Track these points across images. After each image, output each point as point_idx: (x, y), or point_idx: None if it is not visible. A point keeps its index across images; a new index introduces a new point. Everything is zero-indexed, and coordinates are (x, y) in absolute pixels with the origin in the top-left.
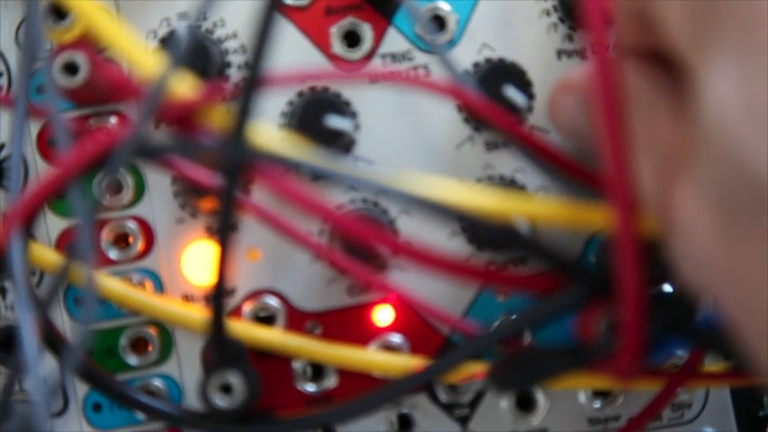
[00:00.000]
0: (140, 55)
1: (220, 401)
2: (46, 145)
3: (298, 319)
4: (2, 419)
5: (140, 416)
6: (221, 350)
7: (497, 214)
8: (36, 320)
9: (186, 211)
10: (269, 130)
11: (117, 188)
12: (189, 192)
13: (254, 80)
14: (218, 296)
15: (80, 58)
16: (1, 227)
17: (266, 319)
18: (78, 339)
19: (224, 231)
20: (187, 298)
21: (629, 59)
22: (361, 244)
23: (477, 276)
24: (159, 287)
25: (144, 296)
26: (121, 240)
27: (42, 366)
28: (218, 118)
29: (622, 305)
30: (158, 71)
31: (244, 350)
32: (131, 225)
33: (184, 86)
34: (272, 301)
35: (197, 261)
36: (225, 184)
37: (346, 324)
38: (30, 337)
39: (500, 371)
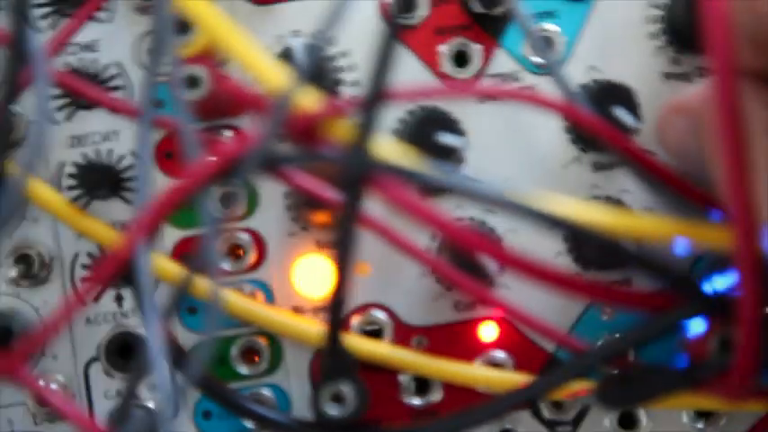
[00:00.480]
0: (267, 68)
1: (332, 411)
2: (163, 157)
3: (404, 334)
4: (122, 423)
5: (250, 425)
6: (336, 361)
7: (612, 231)
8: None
9: (298, 225)
10: (389, 144)
11: (231, 200)
12: (302, 205)
13: (379, 92)
14: (336, 307)
15: (201, 72)
16: (127, 237)
17: (373, 332)
18: (202, 350)
19: (345, 242)
20: (296, 310)
21: (744, 82)
22: (470, 260)
23: (588, 292)
24: (270, 299)
25: (257, 307)
26: (233, 252)
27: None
28: (339, 132)
29: (739, 325)
30: (285, 84)
31: (356, 362)
32: (244, 237)
33: (308, 100)
34: (380, 315)
35: (307, 274)
36: (348, 195)
37: (452, 339)
38: (158, 346)
39: (609, 388)
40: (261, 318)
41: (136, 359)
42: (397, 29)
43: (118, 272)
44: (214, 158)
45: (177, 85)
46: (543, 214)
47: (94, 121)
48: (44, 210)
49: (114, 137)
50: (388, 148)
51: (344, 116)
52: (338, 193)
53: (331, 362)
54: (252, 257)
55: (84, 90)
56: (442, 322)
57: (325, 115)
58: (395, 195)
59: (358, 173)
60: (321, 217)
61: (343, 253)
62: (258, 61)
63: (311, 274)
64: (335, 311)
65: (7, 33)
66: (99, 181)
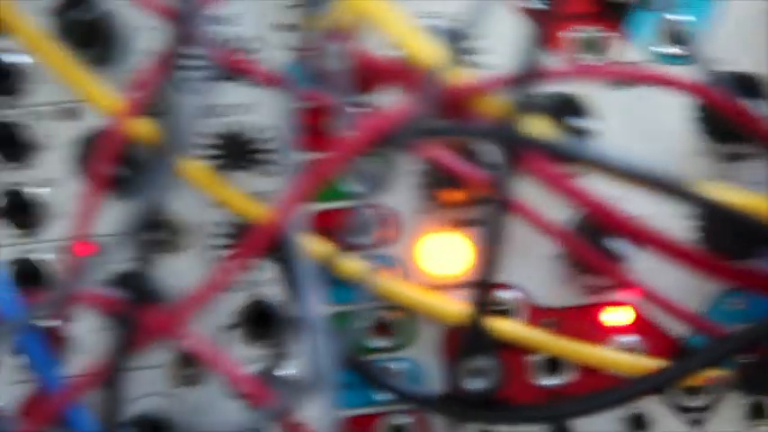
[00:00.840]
0: (420, 44)
1: (472, 385)
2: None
3: (535, 315)
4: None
5: (383, 398)
6: (478, 338)
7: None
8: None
9: (430, 203)
10: (537, 121)
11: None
12: (435, 183)
13: (532, 70)
14: (482, 285)
15: (343, 47)
16: (279, 209)
17: (504, 312)
18: (355, 322)
19: (495, 219)
20: (427, 286)
21: None
22: (604, 243)
23: (733, 276)
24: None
25: (396, 283)
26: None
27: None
28: (490, 108)
29: None
30: (437, 60)
31: (495, 340)
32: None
33: (459, 76)
34: (510, 295)
35: (437, 251)
36: (502, 168)
37: (581, 322)
38: (313, 319)
39: (751, 373)
40: (399, 294)
41: (281, 328)
42: (552, 10)
43: (270, 243)
44: (360, 132)
45: (330, 59)
46: (704, 198)
47: (233, 93)
48: (184, 178)
49: (253, 109)
50: (536, 125)
51: (494, 93)
52: (480, 170)
53: (473, 338)
54: (383, 233)
55: (235, 61)
56: (572, 305)
57: (476, 91)
58: (546, 172)
59: (511, 148)
60: (455, 195)
61: (492, 230)
62: (412, 36)
63: (441, 251)
64: (482, 289)
65: (174, 9)
66: (236, 152)
